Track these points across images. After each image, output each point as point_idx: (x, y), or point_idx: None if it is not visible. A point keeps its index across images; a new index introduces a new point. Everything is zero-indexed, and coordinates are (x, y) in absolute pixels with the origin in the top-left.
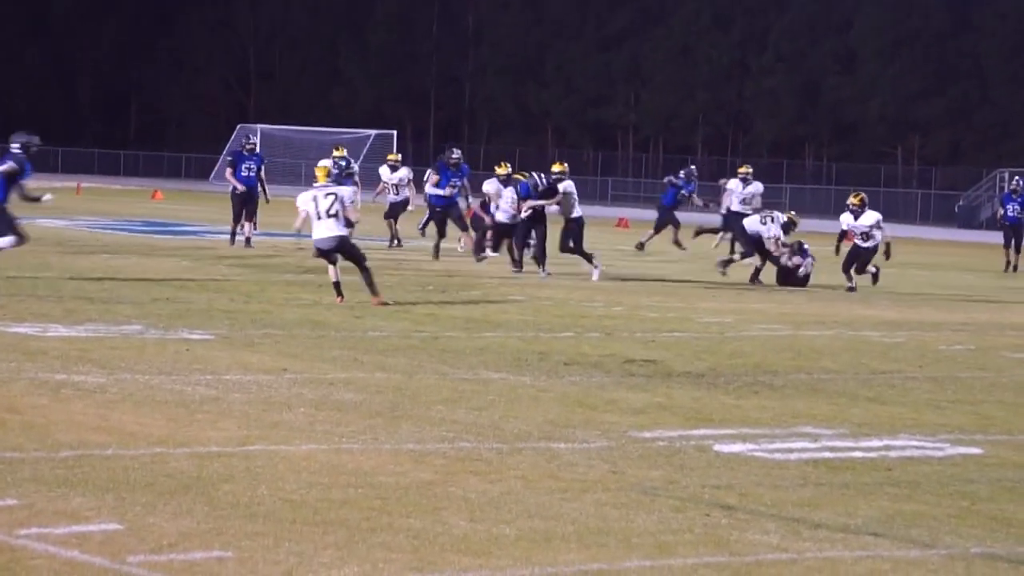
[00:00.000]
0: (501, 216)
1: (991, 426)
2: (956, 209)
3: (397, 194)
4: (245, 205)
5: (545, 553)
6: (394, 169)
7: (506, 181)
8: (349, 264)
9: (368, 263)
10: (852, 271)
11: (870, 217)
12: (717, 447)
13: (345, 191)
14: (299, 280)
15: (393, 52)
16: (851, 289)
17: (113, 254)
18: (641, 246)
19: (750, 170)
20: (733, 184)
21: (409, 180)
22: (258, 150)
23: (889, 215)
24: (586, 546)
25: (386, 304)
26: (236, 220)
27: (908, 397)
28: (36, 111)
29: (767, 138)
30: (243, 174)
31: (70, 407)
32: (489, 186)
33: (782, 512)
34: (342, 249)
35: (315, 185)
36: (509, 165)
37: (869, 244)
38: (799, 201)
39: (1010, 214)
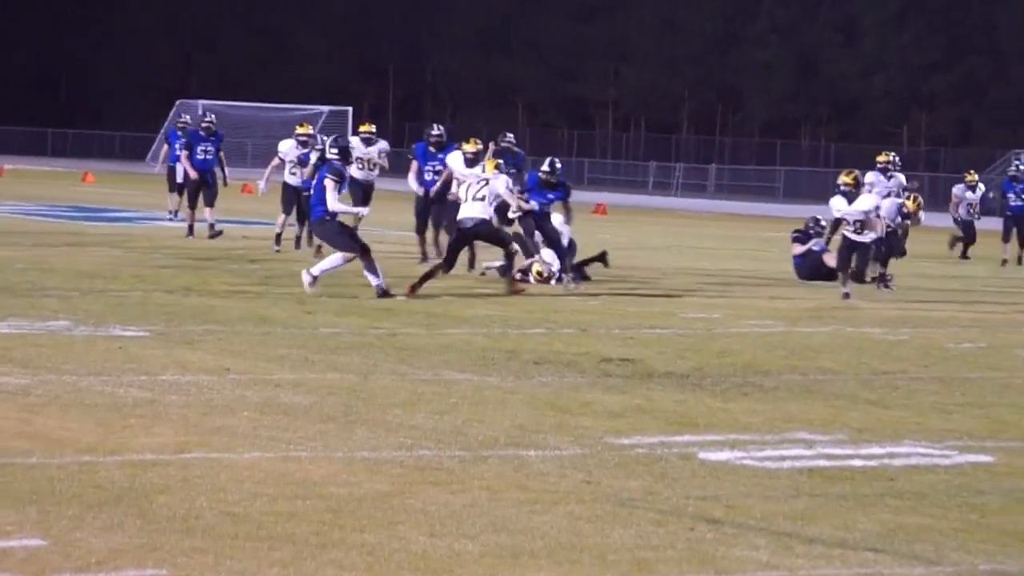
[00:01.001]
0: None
1: (1003, 432)
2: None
3: (372, 170)
4: (203, 191)
5: (512, 571)
6: (368, 143)
7: (473, 160)
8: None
9: (514, 250)
10: (848, 274)
11: (867, 201)
12: (702, 455)
13: (499, 185)
14: (244, 270)
15: (347, 23)
16: (846, 295)
17: (38, 243)
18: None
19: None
20: (959, 190)
21: (385, 157)
22: (216, 128)
23: None
24: (557, 563)
25: (519, 292)
26: (192, 208)
27: (912, 400)
28: None
29: (759, 116)
30: (199, 156)
31: None
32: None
33: (773, 526)
34: (482, 231)
35: (481, 173)
36: (479, 141)
37: (865, 238)
38: (794, 186)
39: (1012, 203)
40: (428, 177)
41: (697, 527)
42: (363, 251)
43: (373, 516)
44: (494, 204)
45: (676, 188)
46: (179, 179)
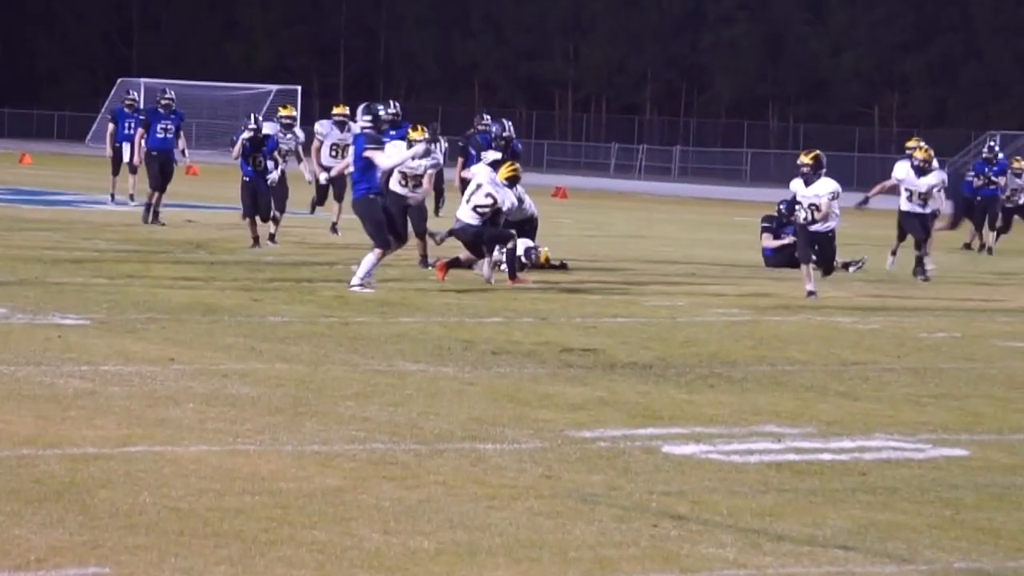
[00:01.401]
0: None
1: (978, 424)
2: None
3: (347, 157)
4: (163, 171)
5: (469, 569)
6: (343, 127)
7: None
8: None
9: (495, 253)
10: (812, 267)
11: (824, 186)
12: (666, 448)
13: (508, 199)
14: (188, 257)
15: None
16: (811, 294)
17: None
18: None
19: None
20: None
21: None
22: (176, 106)
23: (864, 183)
24: (516, 561)
25: (526, 288)
26: (154, 188)
27: (884, 391)
28: None
29: (726, 96)
30: (159, 136)
31: None
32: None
33: (740, 522)
34: (462, 236)
35: (499, 180)
36: (425, 129)
37: (822, 228)
38: (762, 168)
39: (985, 186)
40: None
41: (661, 524)
42: (387, 247)
43: (324, 512)
44: (510, 209)
45: (639, 171)
46: (125, 158)
